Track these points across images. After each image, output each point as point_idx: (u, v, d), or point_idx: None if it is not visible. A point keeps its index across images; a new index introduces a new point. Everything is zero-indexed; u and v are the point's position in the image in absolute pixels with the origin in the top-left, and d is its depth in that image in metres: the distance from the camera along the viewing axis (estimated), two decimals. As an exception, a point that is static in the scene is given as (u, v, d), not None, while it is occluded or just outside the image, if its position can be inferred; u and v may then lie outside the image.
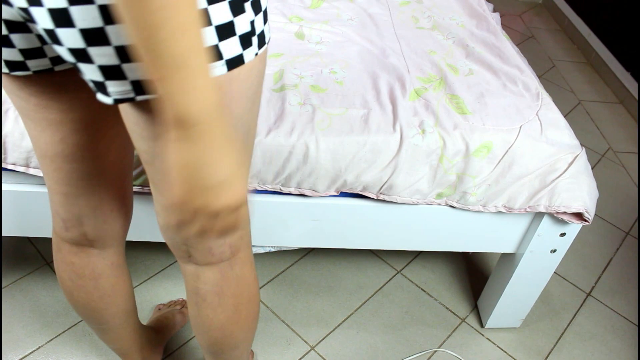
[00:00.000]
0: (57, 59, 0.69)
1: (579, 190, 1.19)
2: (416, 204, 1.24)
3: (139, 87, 0.59)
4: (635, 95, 2.58)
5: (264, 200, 1.22)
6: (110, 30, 0.55)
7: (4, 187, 1.16)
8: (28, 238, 1.60)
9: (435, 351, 1.47)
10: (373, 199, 1.24)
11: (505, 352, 1.49)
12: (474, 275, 1.70)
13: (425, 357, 1.46)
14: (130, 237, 1.29)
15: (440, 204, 1.25)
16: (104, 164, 0.84)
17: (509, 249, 1.37)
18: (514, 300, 1.45)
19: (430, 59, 1.38)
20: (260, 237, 1.30)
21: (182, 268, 0.89)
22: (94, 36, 0.55)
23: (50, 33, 0.56)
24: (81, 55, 0.57)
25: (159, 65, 0.48)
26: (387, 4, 1.64)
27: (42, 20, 0.55)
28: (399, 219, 1.28)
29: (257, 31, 0.64)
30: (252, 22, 0.62)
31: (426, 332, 1.51)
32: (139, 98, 0.60)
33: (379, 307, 1.56)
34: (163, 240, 1.32)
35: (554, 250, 1.32)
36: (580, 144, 1.24)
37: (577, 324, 1.60)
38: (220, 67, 0.60)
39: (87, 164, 0.82)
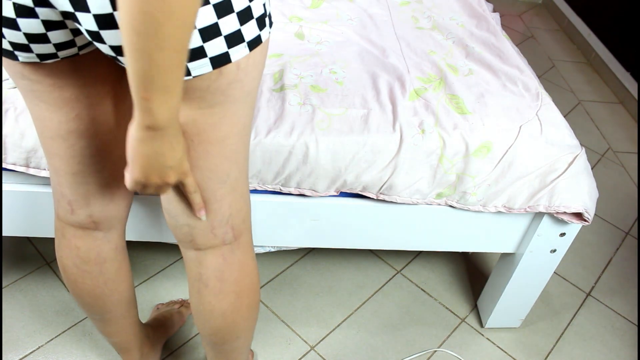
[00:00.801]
0: (84, 46, 0.73)
1: (579, 190, 1.20)
2: (416, 204, 1.24)
3: None
4: (635, 95, 2.58)
5: (264, 200, 1.22)
6: None
7: (4, 187, 1.16)
8: (28, 238, 1.60)
9: (435, 351, 1.47)
10: (373, 199, 1.24)
11: (505, 352, 1.49)
12: (474, 275, 1.70)
13: (425, 357, 1.46)
14: (130, 237, 1.29)
15: (440, 204, 1.25)
16: (116, 138, 0.86)
17: (508, 249, 1.37)
18: (513, 300, 1.45)
19: (430, 59, 1.38)
20: (260, 237, 1.30)
21: (185, 255, 0.91)
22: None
23: (95, 34, 0.64)
24: (121, 50, 0.64)
25: (150, 90, 0.59)
26: (387, 4, 1.64)
27: (88, 23, 0.62)
28: (399, 219, 1.28)
29: (268, 11, 0.72)
30: (264, 5, 0.69)
31: (426, 332, 1.51)
32: None
33: (379, 307, 1.56)
34: (163, 240, 1.32)
35: (554, 250, 1.32)
36: (580, 144, 1.24)
37: (576, 324, 1.60)
38: (243, 49, 0.68)
39: (99, 139, 0.84)
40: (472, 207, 1.24)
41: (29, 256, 1.56)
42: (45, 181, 1.18)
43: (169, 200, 0.83)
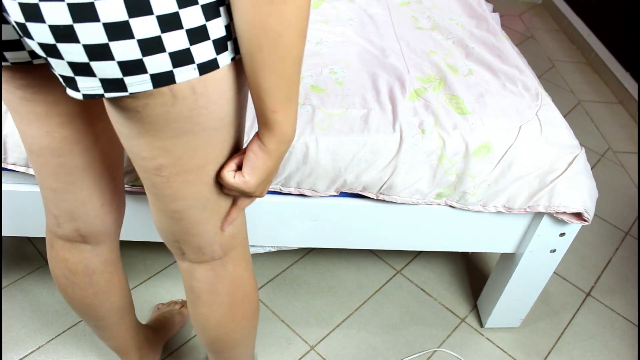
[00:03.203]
0: (35, 53, 0.68)
1: (579, 190, 1.20)
2: (416, 204, 1.24)
3: (107, 84, 0.61)
4: (635, 95, 2.59)
5: (264, 200, 1.22)
6: (79, 28, 0.56)
7: (4, 187, 1.16)
8: (28, 238, 1.61)
9: (435, 351, 1.47)
10: (373, 199, 1.24)
11: (505, 352, 1.49)
12: (474, 275, 1.70)
13: (425, 357, 1.46)
14: (131, 237, 1.29)
15: (440, 204, 1.25)
16: (91, 157, 0.83)
17: (508, 249, 1.37)
18: (513, 300, 1.45)
19: (430, 59, 1.38)
20: (260, 237, 1.30)
21: (179, 265, 0.91)
22: (63, 33, 0.56)
23: (22, 26, 0.57)
24: (51, 50, 0.58)
25: (278, 102, 0.63)
26: (387, 4, 1.64)
27: (14, 13, 0.56)
28: (399, 219, 1.28)
29: (234, 36, 0.64)
30: (226, 27, 0.62)
31: (426, 332, 1.51)
32: (108, 95, 0.62)
33: (379, 307, 1.56)
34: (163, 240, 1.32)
35: (554, 250, 1.32)
36: (580, 144, 1.25)
37: (576, 323, 1.60)
38: (191, 71, 0.62)
39: (74, 158, 0.82)
40: (472, 207, 1.24)
41: (29, 256, 1.56)
42: (46, 181, 1.18)
43: (152, 206, 0.81)
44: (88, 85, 0.61)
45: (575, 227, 1.27)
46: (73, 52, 0.58)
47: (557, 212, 1.22)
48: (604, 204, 2.04)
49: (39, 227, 1.25)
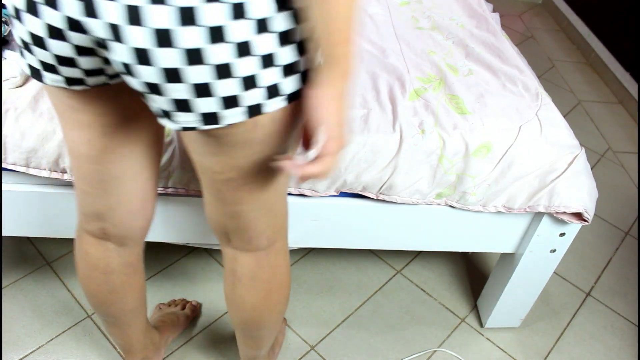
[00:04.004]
0: (115, 75, 0.72)
1: (579, 190, 1.20)
2: (416, 204, 1.24)
3: (205, 118, 0.66)
4: (635, 95, 2.59)
5: (264, 200, 1.22)
6: (189, 70, 0.61)
7: (4, 187, 1.16)
8: (28, 238, 1.61)
9: (435, 351, 1.47)
10: (373, 199, 1.24)
11: (505, 352, 1.49)
12: (474, 275, 1.70)
13: (425, 357, 1.46)
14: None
15: (440, 204, 1.25)
16: (125, 167, 0.85)
17: (508, 249, 1.37)
18: (513, 300, 1.45)
19: (430, 59, 1.38)
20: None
21: (223, 250, 0.97)
22: (172, 75, 0.62)
23: (127, 66, 0.62)
24: (154, 88, 0.64)
25: (349, 32, 0.63)
26: (387, 4, 1.64)
27: (122, 54, 0.61)
28: (399, 219, 1.28)
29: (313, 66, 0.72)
30: (305, 60, 0.69)
31: (426, 332, 1.51)
32: (204, 127, 0.67)
33: (379, 307, 1.56)
34: (164, 240, 1.32)
35: (554, 250, 1.32)
36: (580, 144, 1.25)
37: (576, 323, 1.60)
38: (281, 102, 0.68)
39: (108, 166, 0.84)
40: (472, 207, 1.24)
41: (29, 256, 1.56)
42: (46, 181, 1.18)
43: (210, 204, 0.87)
44: (186, 120, 0.66)
45: (575, 227, 1.27)
46: (179, 90, 0.63)
47: (557, 212, 1.22)
48: (604, 204, 2.04)
49: (39, 227, 1.25)
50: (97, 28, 0.60)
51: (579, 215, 1.23)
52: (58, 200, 1.19)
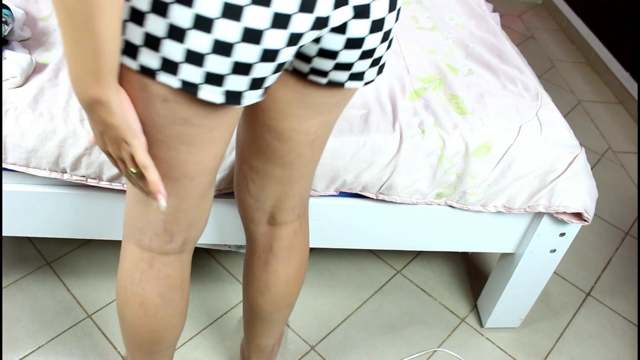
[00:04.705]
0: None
1: (579, 190, 1.20)
2: (416, 204, 1.24)
3: (375, 74, 0.78)
4: (635, 95, 2.59)
5: (264, 200, 1.22)
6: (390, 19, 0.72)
7: (4, 187, 1.16)
8: (28, 238, 1.61)
9: (435, 351, 1.47)
10: (372, 198, 1.24)
11: (505, 352, 1.49)
12: (474, 275, 1.70)
13: (424, 357, 1.46)
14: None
15: (439, 204, 1.25)
16: (214, 174, 0.83)
17: (508, 249, 1.37)
18: (513, 300, 1.45)
19: (430, 59, 1.38)
20: (260, 237, 1.30)
21: (255, 231, 1.00)
22: (377, 25, 0.70)
23: (359, 41, 0.70)
24: (369, 54, 0.72)
25: None
26: (387, 4, 1.64)
27: (361, 29, 0.69)
28: (399, 219, 1.28)
29: None
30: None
31: (426, 332, 1.51)
32: (370, 80, 0.78)
33: (379, 307, 1.56)
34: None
35: (554, 250, 1.32)
36: (580, 144, 1.25)
37: (576, 323, 1.60)
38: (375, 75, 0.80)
39: (208, 177, 0.81)
40: (472, 207, 1.24)
41: (29, 256, 1.56)
42: (46, 181, 1.18)
43: (272, 182, 0.91)
44: (371, 75, 0.77)
45: (575, 227, 1.27)
46: (384, 49, 0.74)
47: (557, 212, 1.22)
48: (604, 204, 2.04)
49: (39, 227, 1.25)
50: (342, 15, 0.65)
51: (579, 215, 1.23)
52: (58, 200, 1.19)
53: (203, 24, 0.58)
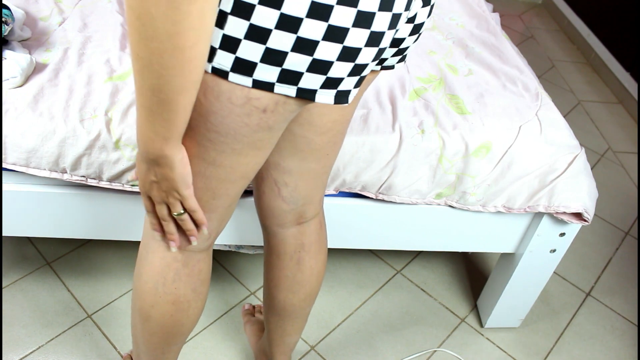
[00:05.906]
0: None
1: (579, 190, 1.20)
2: (415, 204, 1.24)
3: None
4: (635, 95, 2.59)
5: (264, 200, 1.22)
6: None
7: (4, 187, 1.17)
8: (28, 238, 1.61)
9: (435, 351, 1.47)
10: (372, 198, 1.24)
11: (505, 352, 1.49)
12: (474, 275, 1.70)
13: (425, 357, 1.46)
14: (132, 237, 1.29)
15: (439, 204, 1.25)
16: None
17: (508, 249, 1.37)
18: (513, 300, 1.45)
19: (429, 59, 1.38)
20: (259, 237, 1.30)
21: (284, 235, 1.00)
22: (417, 28, 0.75)
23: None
24: (396, 43, 0.75)
25: None
26: (387, 4, 1.64)
27: (425, 14, 0.73)
28: (398, 218, 1.28)
29: None
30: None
31: (426, 332, 1.51)
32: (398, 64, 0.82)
33: (379, 307, 1.56)
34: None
35: (554, 250, 1.32)
36: (580, 144, 1.25)
37: (576, 323, 1.60)
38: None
39: (249, 179, 0.82)
40: (471, 207, 1.24)
41: (29, 256, 1.56)
42: (46, 181, 1.18)
43: (304, 180, 0.92)
44: (392, 62, 0.80)
45: (575, 227, 1.27)
46: (411, 41, 0.77)
47: (557, 212, 1.22)
48: (604, 204, 2.04)
49: (38, 227, 1.25)
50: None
51: (579, 215, 1.23)
52: (58, 200, 1.19)
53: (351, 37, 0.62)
